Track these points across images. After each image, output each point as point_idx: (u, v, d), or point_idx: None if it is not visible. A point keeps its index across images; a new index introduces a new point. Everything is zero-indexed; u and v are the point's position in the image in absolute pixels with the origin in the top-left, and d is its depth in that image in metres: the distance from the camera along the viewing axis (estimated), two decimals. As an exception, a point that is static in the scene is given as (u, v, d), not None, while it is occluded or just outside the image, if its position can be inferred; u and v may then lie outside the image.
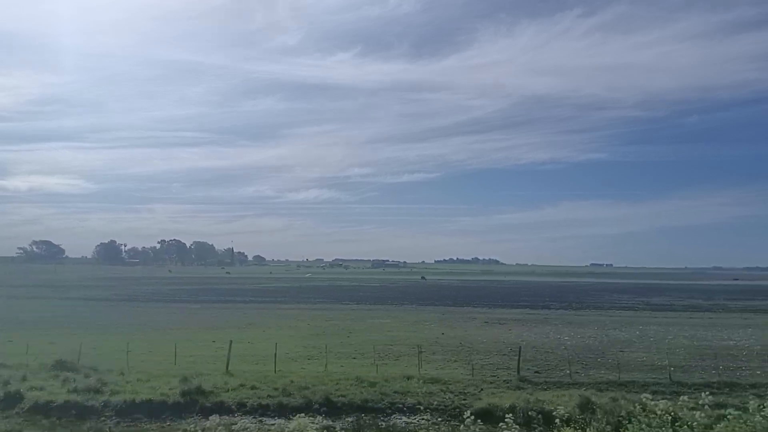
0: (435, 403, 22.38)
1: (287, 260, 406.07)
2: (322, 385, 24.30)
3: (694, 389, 24.98)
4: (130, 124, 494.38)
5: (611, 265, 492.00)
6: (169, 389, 23.36)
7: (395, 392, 23.52)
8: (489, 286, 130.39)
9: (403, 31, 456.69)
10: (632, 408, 19.86)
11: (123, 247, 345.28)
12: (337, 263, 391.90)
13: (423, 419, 21.30)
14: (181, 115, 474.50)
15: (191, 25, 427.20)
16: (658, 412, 13.91)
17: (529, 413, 16.58)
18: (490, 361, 31.61)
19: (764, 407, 12.71)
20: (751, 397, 23.12)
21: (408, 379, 25.65)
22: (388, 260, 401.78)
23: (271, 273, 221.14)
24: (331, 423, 21.12)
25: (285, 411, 21.74)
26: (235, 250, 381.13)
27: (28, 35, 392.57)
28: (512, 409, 21.62)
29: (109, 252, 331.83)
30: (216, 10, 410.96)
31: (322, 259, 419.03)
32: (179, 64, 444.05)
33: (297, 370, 28.00)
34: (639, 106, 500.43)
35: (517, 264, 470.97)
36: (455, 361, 31.74)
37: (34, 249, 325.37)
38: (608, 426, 17.76)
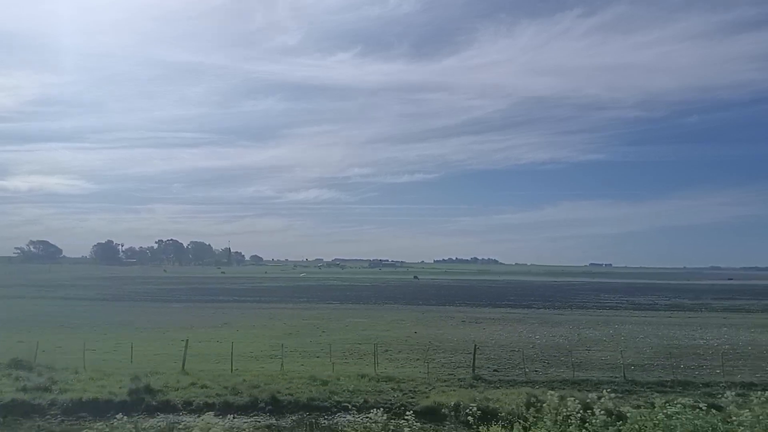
0: (381, 401, 22.33)
1: (287, 260, 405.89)
2: (273, 384, 24.28)
3: (647, 388, 25.11)
4: (130, 124, 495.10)
5: (610, 265, 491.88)
6: (119, 388, 23.36)
7: (345, 391, 23.51)
8: (479, 286, 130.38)
9: (403, 31, 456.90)
10: (576, 406, 19.90)
11: (120, 247, 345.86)
12: (335, 263, 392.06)
13: (366, 418, 21.26)
14: (181, 115, 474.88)
15: (191, 25, 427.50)
16: (565, 411, 13.98)
17: (472, 411, 16.51)
18: (453, 359, 31.63)
19: (668, 406, 12.74)
20: (700, 395, 23.24)
21: (362, 378, 25.66)
22: (387, 260, 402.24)
23: (266, 273, 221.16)
24: (274, 421, 21.17)
25: (230, 410, 21.74)
26: (234, 250, 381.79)
27: (28, 35, 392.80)
28: (456, 407, 21.73)
29: (107, 252, 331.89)
30: (216, 10, 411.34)
31: (322, 259, 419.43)
32: (179, 64, 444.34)
33: (255, 369, 28.00)
34: (639, 106, 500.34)
35: (516, 264, 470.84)
36: (417, 359, 31.76)
37: (32, 249, 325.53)
38: (555, 425, 17.78)
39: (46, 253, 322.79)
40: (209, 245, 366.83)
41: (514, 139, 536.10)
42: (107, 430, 14.20)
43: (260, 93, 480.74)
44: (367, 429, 20.66)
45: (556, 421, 13.54)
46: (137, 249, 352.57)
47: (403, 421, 21.73)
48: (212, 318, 52.30)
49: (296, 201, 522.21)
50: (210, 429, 12.78)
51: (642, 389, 24.54)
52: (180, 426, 13.37)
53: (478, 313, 58.83)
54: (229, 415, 16.94)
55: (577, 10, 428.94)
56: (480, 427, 14.96)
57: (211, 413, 14.88)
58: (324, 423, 20.74)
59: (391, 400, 22.54)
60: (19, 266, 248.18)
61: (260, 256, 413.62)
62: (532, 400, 22.55)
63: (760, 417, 12.34)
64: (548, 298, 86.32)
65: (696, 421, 12.55)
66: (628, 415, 13.15)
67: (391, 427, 14.30)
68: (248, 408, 21.79)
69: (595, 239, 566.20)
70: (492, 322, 51.29)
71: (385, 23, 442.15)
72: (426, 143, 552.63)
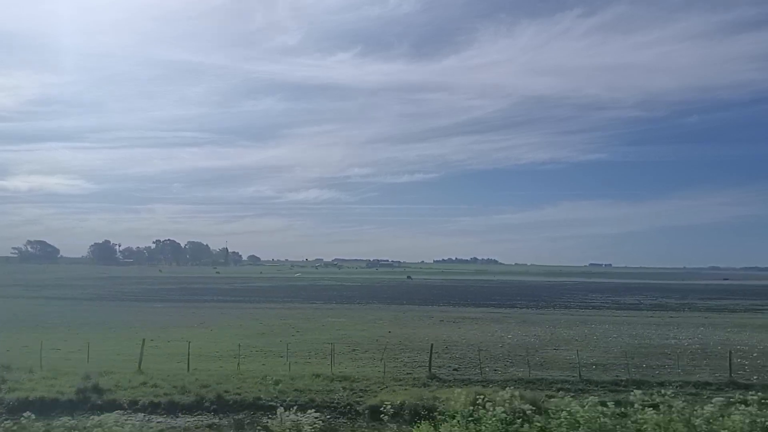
0: (329, 400, 22.33)
1: (287, 260, 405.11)
2: (225, 383, 24.24)
3: (601, 387, 25.01)
4: (130, 124, 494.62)
5: (610, 265, 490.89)
6: (69, 387, 23.32)
7: (295, 390, 23.45)
8: (471, 286, 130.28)
9: (403, 31, 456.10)
10: (523, 405, 19.85)
11: (117, 247, 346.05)
12: (333, 263, 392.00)
13: (316, 417, 21.22)
14: (181, 115, 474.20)
15: (191, 25, 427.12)
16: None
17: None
18: (418, 358, 31.53)
19: (586, 405, 12.68)
20: (654, 394, 23.17)
21: (316, 377, 25.60)
22: (387, 260, 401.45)
23: (261, 273, 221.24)
24: (216, 420, 21.12)
25: (175, 409, 21.75)
26: (234, 251, 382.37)
27: (28, 35, 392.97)
28: (401, 406, 21.66)
29: (104, 252, 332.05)
30: (216, 10, 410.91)
31: (322, 259, 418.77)
32: (179, 64, 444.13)
33: (213, 368, 27.95)
34: (639, 106, 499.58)
35: (516, 264, 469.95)
36: (381, 359, 31.65)
37: (29, 249, 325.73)
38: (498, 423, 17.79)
39: (43, 253, 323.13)
40: (207, 245, 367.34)
41: (514, 139, 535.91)
42: (15, 428, 14.19)
43: (260, 93, 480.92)
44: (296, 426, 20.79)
45: (466, 416, 13.57)
46: (134, 249, 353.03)
47: (347, 420, 21.70)
48: (190, 318, 52.26)
49: (296, 201, 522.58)
50: (110, 427, 12.78)
51: (595, 388, 24.41)
52: (87, 425, 13.35)
53: (459, 313, 58.73)
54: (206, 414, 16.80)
55: (577, 10, 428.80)
56: (402, 425, 14.92)
57: (120, 412, 14.82)
58: (266, 422, 20.65)
59: (337, 399, 22.47)
60: (16, 266, 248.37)
61: (259, 256, 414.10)
62: (479, 398, 22.63)
63: (663, 414, 12.38)
64: (535, 297, 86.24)
65: (602, 419, 12.56)
66: (529, 413, 13.15)
67: (319, 424, 14.30)
68: (193, 407, 21.74)
69: (594, 239, 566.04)
70: (470, 321, 51.20)
71: (385, 23, 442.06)
72: (426, 143, 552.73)
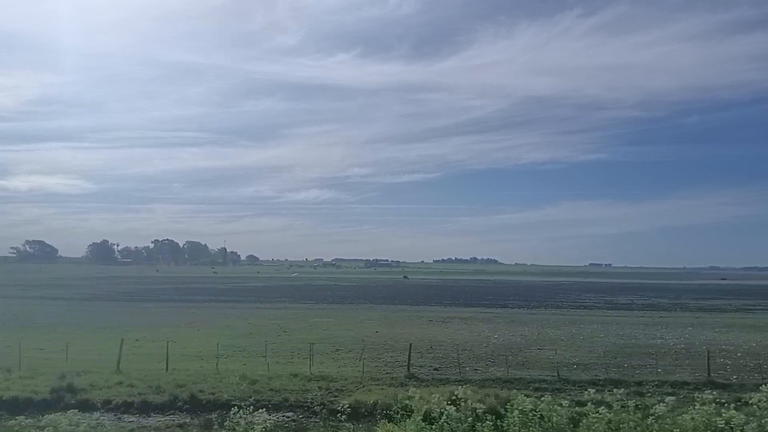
0: (302, 399, 22.29)
1: (286, 260, 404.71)
2: (201, 383, 24.19)
3: (578, 386, 24.92)
4: (130, 124, 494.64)
5: (610, 265, 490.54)
6: (44, 386, 23.27)
7: (270, 390, 23.42)
8: (466, 286, 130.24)
9: (403, 32, 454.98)
10: (494, 403, 19.81)
11: (116, 246, 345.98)
12: (331, 263, 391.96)
13: (284, 416, 21.25)
14: (181, 115, 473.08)
15: (191, 25, 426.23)
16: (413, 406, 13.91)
17: (342, 407, 16.45)
18: (400, 358, 31.49)
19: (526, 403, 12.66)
20: (630, 393, 23.11)
21: (294, 377, 25.57)
22: (386, 260, 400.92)
23: (258, 273, 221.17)
24: (187, 420, 21.06)
25: (148, 408, 21.69)
26: (233, 251, 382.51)
27: (28, 35, 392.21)
28: (374, 405, 21.64)
29: (102, 252, 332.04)
30: (216, 10, 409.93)
31: (322, 259, 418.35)
32: (179, 64, 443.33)
33: (192, 368, 27.90)
34: (639, 106, 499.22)
35: (516, 264, 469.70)
36: (364, 358, 31.61)
37: (27, 249, 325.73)
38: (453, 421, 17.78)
39: (42, 253, 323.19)
40: (205, 245, 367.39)
41: (514, 139, 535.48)
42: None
43: (260, 93, 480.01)
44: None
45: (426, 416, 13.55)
46: (133, 249, 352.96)
47: (319, 419, 21.65)
48: (180, 317, 52.23)
49: (296, 201, 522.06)
50: (63, 426, 12.73)
51: (572, 388, 24.39)
52: (41, 424, 13.31)
53: (450, 313, 58.69)
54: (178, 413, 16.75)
55: (577, 10, 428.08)
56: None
57: (74, 411, 14.76)
58: (238, 422, 20.62)
59: (310, 399, 22.41)
60: (14, 266, 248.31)
61: (259, 256, 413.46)
62: (453, 398, 22.62)
63: (615, 411, 12.38)
64: (528, 297, 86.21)
65: (555, 418, 12.54)
66: (479, 412, 13.12)
67: (268, 425, 14.24)
68: (166, 407, 21.69)
69: (594, 239, 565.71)
70: (459, 321, 51.17)
71: (385, 24, 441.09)
72: (426, 143, 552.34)
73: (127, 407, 21.69)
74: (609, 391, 12.87)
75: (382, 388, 24.04)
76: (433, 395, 23.76)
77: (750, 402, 13.03)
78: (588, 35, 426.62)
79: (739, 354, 33.47)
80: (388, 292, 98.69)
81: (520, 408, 12.28)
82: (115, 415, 21.27)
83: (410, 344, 28.94)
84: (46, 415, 16.13)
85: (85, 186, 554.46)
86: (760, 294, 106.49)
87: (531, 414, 12.17)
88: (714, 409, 12.16)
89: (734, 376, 27.06)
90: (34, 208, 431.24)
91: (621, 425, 12.15)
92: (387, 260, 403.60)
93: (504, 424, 12.43)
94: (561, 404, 12.65)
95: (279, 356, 32.06)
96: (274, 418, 21.41)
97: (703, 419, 12.09)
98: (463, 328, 46.54)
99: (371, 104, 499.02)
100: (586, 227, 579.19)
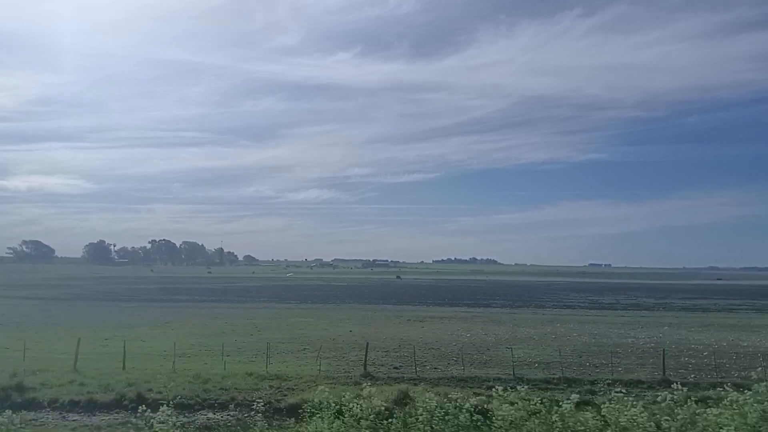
0: (249, 398, 22.21)
1: (286, 260, 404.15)
2: (153, 382, 24.17)
3: (532, 385, 24.83)
4: (130, 124, 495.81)
5: (609, 265, 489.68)
6: (-5, 385, 23.27)
7: (220, 389, 23.39)
8: (458, 286, 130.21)
9: (403, 32, 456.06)
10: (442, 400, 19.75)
11: (113, 247, 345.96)
12: (330, 264, 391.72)
13: (228, 415, 21.22)
14: (181, 115, 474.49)
15: (191, 25, 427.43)
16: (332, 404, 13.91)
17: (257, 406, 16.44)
18: (362, 357, 31.51)
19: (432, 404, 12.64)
20: (583, 391, 23.09)
21: (249, 376, 25.57)
22: (386, 260, 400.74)
23: (253, 273, 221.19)
24: (132, 419, 21.03)
25: (93, 407, 21.67)
26: (233, 251, 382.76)
27: (28, 35, 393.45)
28: (318, 404, 21.58)
29: (99, 252, 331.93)
30: (216, 10, 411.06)
31: (321, 260, 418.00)
32: (179, 64, 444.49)
33: (152, 367, 27.85)
34: (639, 106, 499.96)
35: (516, 264, 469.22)
36: (328, 357, 31.62)
37: (24, 249, 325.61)
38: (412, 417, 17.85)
39: (39, 253, 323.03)
40: (202, 245, 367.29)
41: (514, 139, 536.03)
42: None
43: (260, 93, 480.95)
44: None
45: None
46: (130, 249, 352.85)
47: (264, 418, 21.58)
48: (158, 317, 52.19)
49: (296, 201, 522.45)
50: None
51: (527, 386, 24.28)
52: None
53: (431, 312, 58.63)
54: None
55: (577, 10, 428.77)
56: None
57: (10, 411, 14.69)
58: (183, 420, 20.59)
59: (260, 398, 22.32)
60: (10, 266, 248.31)
61: (259, 256, 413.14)
62: (402, 396, 22.64)
63: (520, 409, 12.34)
64: (515, 297, 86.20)
65: (460, 417, 12.51)
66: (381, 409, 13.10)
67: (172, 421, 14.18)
68: (112, 405, 21.67)
69: (594, 239, 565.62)
70: (437, 320, 51.14)
71: (385, 23, 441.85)
72: (426, 143, 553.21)
73: (73, 406, 21.67)
74: (513, 388, 12.83)
75: (334, 387, 23.94)
76: (384, 392, 23.86)
77: (658, 400, 13.03)
78: (588, 35, 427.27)
79: (706, 353, 33.37)
80: (377, 293, 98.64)
81: (424, 406, 12.28)
82: (60, 413, 21.24)
83: (367, 344, 28.91)
84: (76, 416, 16.01)
85: (85, 186, 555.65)
86: (750, 294, 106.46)
87: (436, 411, 12.17)
88: (620, 406, 12.16)
89: (692, 375, 27.04)
90: (34, 208, 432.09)
91: (525, 423, 12.16)
92: (386, 260, 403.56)
93: (410, 421, 12.44)
94: (467, 408, 12.68)
95: (244, 355, 32.06)
96: (218, 416, 21.56)
97: (602, 417, 12.10)
98: (438, 327, 46.51)
99: (371, 104, 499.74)
100: (586, 227, 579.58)
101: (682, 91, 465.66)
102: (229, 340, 38.28)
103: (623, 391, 24.23)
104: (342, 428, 12.25)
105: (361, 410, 12.98)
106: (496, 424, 12.19)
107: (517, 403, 12.62)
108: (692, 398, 13.65)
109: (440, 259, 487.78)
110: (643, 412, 11.89)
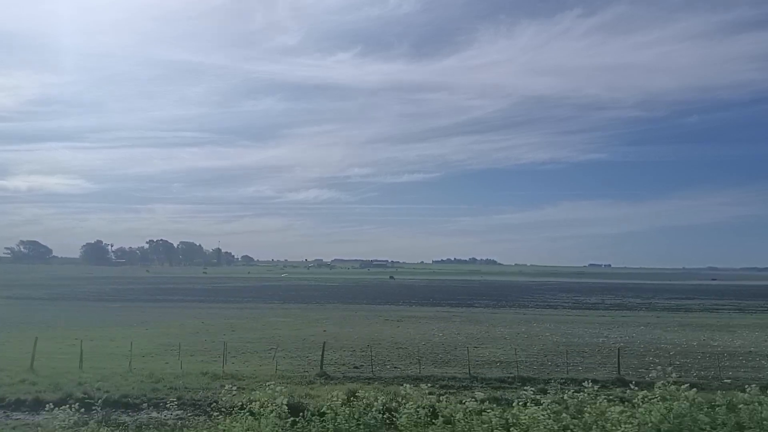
0: (197, 398, 22.21)
1: (286, 260, 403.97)
2: (107, 381, 24.13)
3: (486, 384, 24.93)
4: (130, 124, 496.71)
5: (609, 265, 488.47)
6: (-54, 384, 23.27)
7: (170, 388, 23.31)
8: (450, 286, 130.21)
9: (403, 32, 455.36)
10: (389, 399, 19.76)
11: (110, 247, 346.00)
12: (327, 264, 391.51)
13: (173, 414, 21.14)
14: (181, 115, 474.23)
15: (191, 25, 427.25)
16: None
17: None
18: (329, 356, 31.48)
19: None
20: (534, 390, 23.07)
21: (203, 375, 25.51)
22: (386, 261, 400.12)
23: (249, 273, 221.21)
24: (75, 418, 21.01)
25: (39, 406, 21.56)
26: (228, 251, 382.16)
27: (28, 35, 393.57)
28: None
29: (95, 252, 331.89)
30: (216, 10, 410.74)
31: (321, 260, 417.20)
32: (179, 64, 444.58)
33: (109, 367, 27.79)
34: (639, 106, 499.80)
35: (515, 264, 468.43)
36: (293, 357, 31.66)
37: (22, 249, 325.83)
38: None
39: (36, 253, 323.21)
40: (199, 245, 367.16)
41: (514, 139, 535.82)
42: None
43: (260, 93, 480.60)
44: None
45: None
46: (127, 249, 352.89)
47: (207, 417, 21.43)
48: (136, 317, 52.19)
49: (296, 201, 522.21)
50: None
51: (480, 385, 24.34)
52: None
53: (411, 312, 58.60)
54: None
55: (577, 10, 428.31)
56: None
57: None
58: (125, 419, 20.58)
59: (204, 397, 22.33)
60: (6, 266, 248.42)
61: (259, 256, 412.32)
62: (350, 395, 22.60)
63: (423, 407, 12.40)
64: (501, 297, 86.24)
65: (365, 418, 12.56)
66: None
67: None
68: (58, 404, 21.42)
69: (594, 239, 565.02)
70: (414, 320, 51.13)
71: (385, 23, 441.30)
72: (426, 143, 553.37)
73: (18, 404, 21.58)
74: (416, 386, 12.90)
75: (287, 386, 23.95)
76: (334, 391, 23.78)
77: (566, 398, 13.04)
78: (588, 35, 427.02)
79: (672, 353, 33.31)
80: (366, 293, 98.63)
81: (332, 407, 12.37)
82: (5, 412, 21.20)
83: (324, 343, 28.85)
84: (20, 415, 15.95)
85: (85, 186, 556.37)
86: (738, 294, 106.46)
87: (340, 410, 12.24)
88: (523, 406, 12.18)
89: (651, 374, 26.91)
90: (34, 208, 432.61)
91: (430, 422, 12.20)
92: (386, 261, 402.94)
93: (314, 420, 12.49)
94: (378, 401, 12.71)
95: (208, 355, 32.00)
96: (161, 415, 21.51)
97: (504, 417, 12.13)
98: (414, 327, 46.50)
99: (371, 104, 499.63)
100: (586, 227, 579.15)
101: (682, 91, 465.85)
102: (199, 340, 38.30)
103: (576, 389, 24.05)
104: (252, 426, 12.33)
105: (269, 408, 13.12)
106: (400, 422, 12.26)
107: (414, 399, 12.71)
108: (602, 396, 13.75)
109: (440, 259, 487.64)
110: (545, 411, 11.91)
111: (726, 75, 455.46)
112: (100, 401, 17.75)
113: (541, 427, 11.44)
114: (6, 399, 22.04)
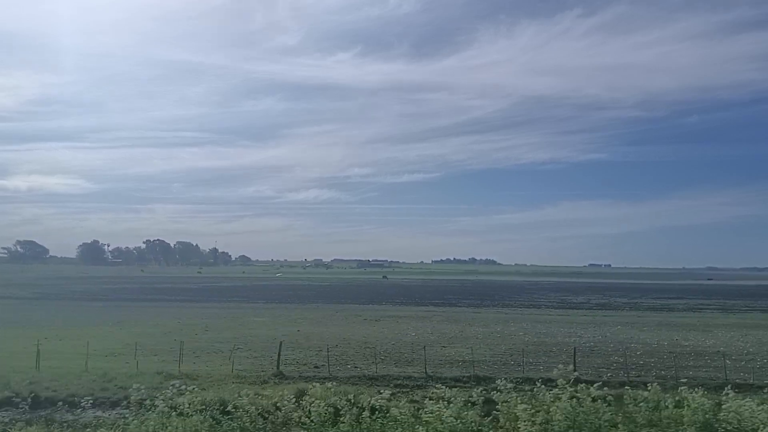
0: (145, 398, 22.08)
1: (286, 260, 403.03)
2: (61, 380, 24.07)
3: (441, 383, 24.57)
4: (130, 124, 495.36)
5: (609, 265, 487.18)
6: None
7: (119, 387, 23.17)
8: (441, 286, 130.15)
9: (403, 32, 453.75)
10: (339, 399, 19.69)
11: (106, 247, 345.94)
12: (324, 264, 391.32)
13: (119, 413, 21.05)
14: (181, 115, 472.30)
15: (191, 25, 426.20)
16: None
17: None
18: (294, 356, 31.45)
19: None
20: (482, 390, 22.96)
21: (158, 375, 25.41)
22: (385, 261, 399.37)
23: (243, 273, 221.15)
24: (20, 417, 20.95)
25: (-15, 405, 21.57)
26: (225, 251, 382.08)
27: (28, 35, 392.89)
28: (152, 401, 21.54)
29: (92, 252, 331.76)
30: (216, 10, 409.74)
31: (321, 260, 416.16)
32: (179, 64, 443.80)
33: (66, 366, 27.66)
34: (639, 106, 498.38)
35: (515, 264, 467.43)
36: (257, 357, 31.59)
37: (18, 249, 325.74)
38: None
39: (32, 253, 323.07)
40: (196, 245, 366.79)
41: (514, 139, 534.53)
42: None
43: (260, 93, 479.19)
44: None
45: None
46: (123, 249, 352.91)
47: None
48: (113, 316, 52.13)
49: (296, 201, 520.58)
50: None
51: (435, 384, 24.16)
52: None
53: (393, 312, 58.48)
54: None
55: (577, 10, 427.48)
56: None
57: None
58: (68, 418, 20.48)
59: (153, 397, 22.22)
60: (3, 266, 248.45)
61: (259, 256, 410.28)
62: (300, 394, 22.52)
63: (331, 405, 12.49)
64: (487, 296, 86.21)
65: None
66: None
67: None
68: (4, 403, 21.53)
69: (594, 239, 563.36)
70: (392, 319, 51.02)
71: (385, 23, 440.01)
72: (426, 143, 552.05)
73: (-36, 404, 21.56)
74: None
75: (236, 386, 23.88)
76: (284, 390, 23.58)
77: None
78: (588, 35, 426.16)
79: (639, 353, 33.30)
80: (355, 292, 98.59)
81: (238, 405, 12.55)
82: (-55, 412, 21.14)
83: (281, 343, 28.85)
84: None
85: (85, 186, 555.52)
86: (728, 294, 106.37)
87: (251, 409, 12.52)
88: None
89: (608, 374, 26.94)
90: (34, 208, 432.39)
91: (338, 419, 12.30)
92: (385, 261, 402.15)
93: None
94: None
95: (171, 354, 31.84)
96: (106, 414, 21.43)
97: (411, 414, 12.19)
98: (390, 326, 46.41)
99: (371, 104, 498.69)
100: (586, 227, 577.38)
101: (682, 91, 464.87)
102: (170, 339, 38.13)
103: (524, 388, 23.91)
104: (172, 423, 12.57)
105: (191, 405, 13.39)
106: (311, 419, 12.34)
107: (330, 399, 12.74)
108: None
109: (440, 259, 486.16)
110: (448, 409, 11.91)
111: (726, 75, 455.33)
112: (29, 399, 17.79)
113: (442, 424, 11.44)
114: (-49, 398, 21.99)
